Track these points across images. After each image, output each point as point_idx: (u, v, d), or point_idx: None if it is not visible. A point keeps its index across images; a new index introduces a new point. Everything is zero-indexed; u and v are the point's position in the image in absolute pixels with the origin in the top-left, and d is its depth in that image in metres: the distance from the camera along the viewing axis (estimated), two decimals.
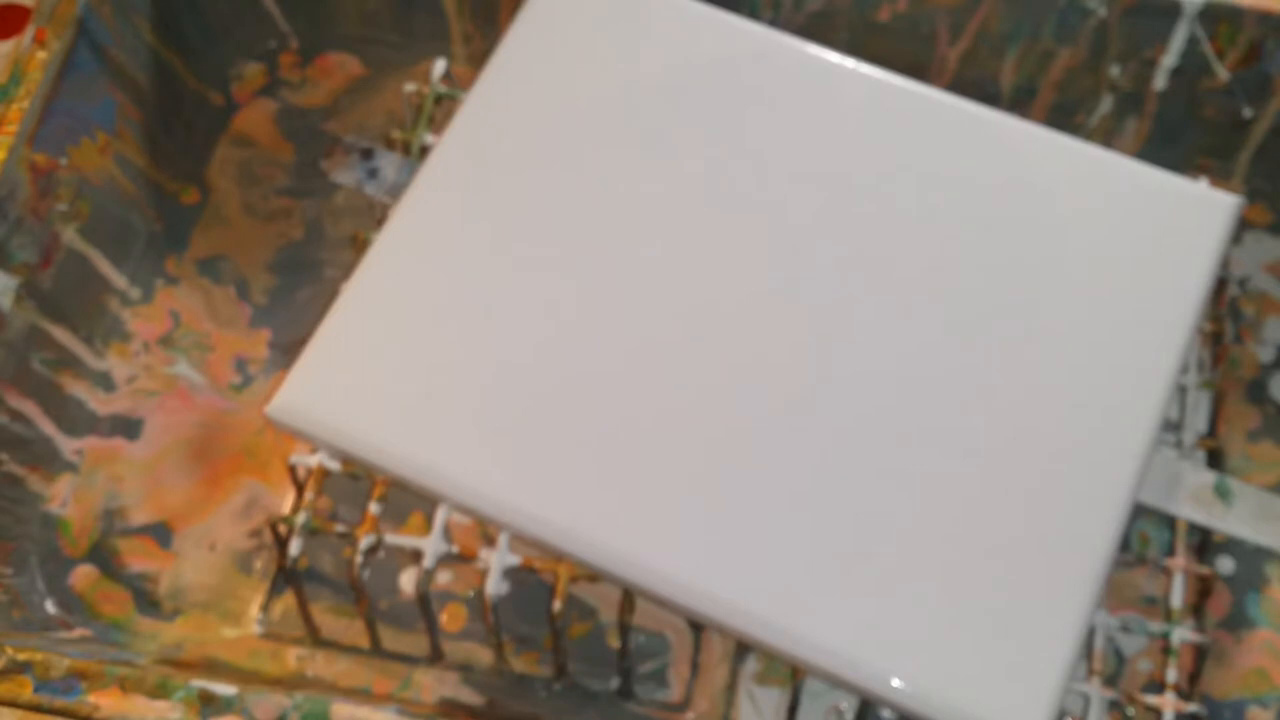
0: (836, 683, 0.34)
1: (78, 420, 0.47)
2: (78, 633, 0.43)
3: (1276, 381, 0.47)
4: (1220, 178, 0.49)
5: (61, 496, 0.46)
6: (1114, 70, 0.48)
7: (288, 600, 0.44)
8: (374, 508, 0.39)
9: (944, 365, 0.37)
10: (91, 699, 0.36)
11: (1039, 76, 0.49)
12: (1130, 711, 0.42)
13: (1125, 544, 0.42)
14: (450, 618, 0.44)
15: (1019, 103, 0.50)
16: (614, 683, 0.43)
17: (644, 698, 0.43)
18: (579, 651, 0.43)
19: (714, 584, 0.34)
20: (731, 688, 0.43)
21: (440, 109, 0.45)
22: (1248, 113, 0.48)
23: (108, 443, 0.47)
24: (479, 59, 0.50)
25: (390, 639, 0.43)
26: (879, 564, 0.34)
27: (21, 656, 0.36)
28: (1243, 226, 0.49)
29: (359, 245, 0.42)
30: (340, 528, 0.39)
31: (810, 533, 0.35)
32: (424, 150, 0.44)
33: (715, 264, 0.38)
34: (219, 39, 0.53)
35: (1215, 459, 0.42)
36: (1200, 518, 0.39)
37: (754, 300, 0.38)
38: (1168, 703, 0.38)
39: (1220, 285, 0.44)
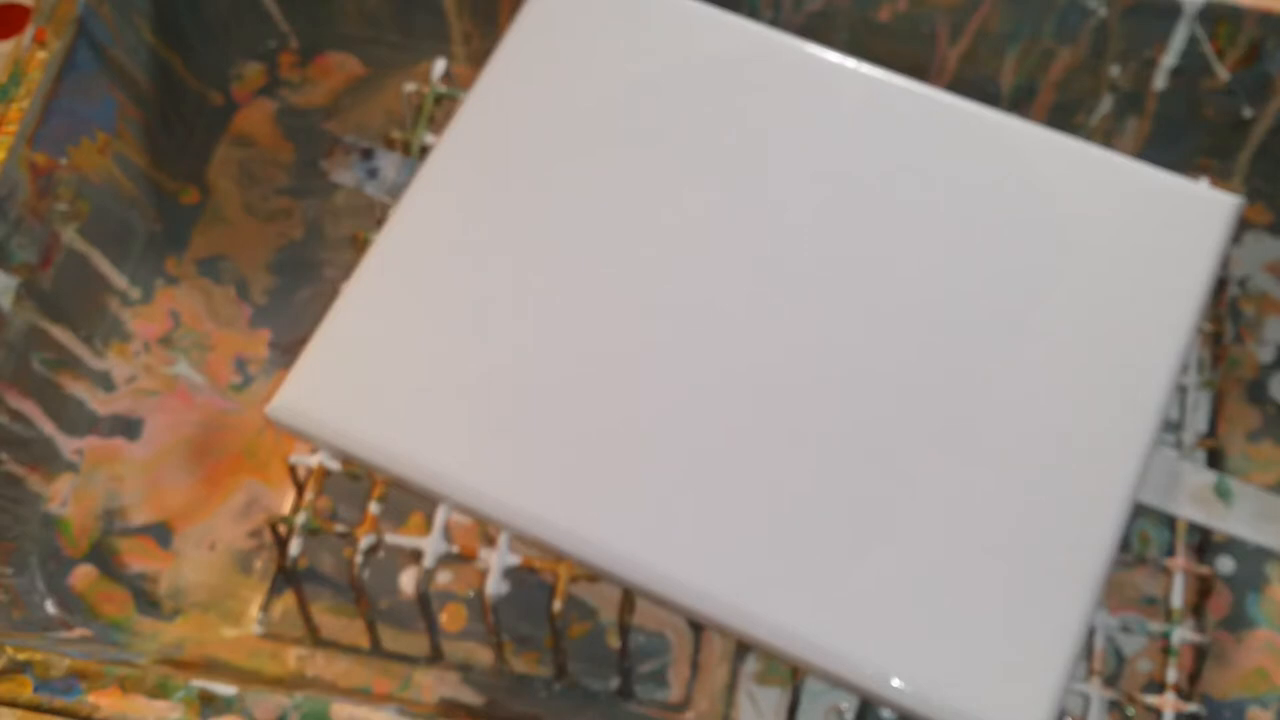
0: (836, 683, 0.34)
1: (78, 420, 0.47)
2: (78, 633, 0.43)
3: (1276, 381, 0.47)
4: (1220, 178, 0.49)
5: (61, 496, 0.46)
6: (1114, 70, 0.48)
7: (288, 600, 0.44)
8: (374, 508, 0.39)
9: (943, 365, 0.37)
10: (91, 699, 0.36)
11: (1039, 76, 0.49)
12: (1130, 711, 0.42)
13: (1125, 544, 0.42)
14: (450, 618, 0.44)
15: (1019, 103, 0.50)
16: (614, 683, 0.43)
17: (644, 698, 0.43)
18: (579, 651, 0.43)
19: (714, 584, 0.34)
20: (731, 688, 0.43)
21: (440, 109, 0.45)
22: (1248, 113, 0.48)
23: (108, 443, 0.47)
24: (479, 59, 0.50)
25: (390, 639, 0.43)
26: (879, 564, 0.34)
27: (21, 656, 0.36)
28: (1243, 226, 0.49)
29: (359, 245, 0.42)
30: (340, 528, 0.39)
31: (810, 532, 0.35)
32: (424, 150, 0.44)
33: (715, 263, 0.38)
34: (219, 39, 0.53)
35: (1215, 459, 0.42)
36: (1200, 518, 0.39)
37: (754, 300, 0.38)
38: (1168, 703, 0.38)
39: (1220, 285, 0.44)
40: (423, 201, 0.39)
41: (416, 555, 0.38)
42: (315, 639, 0.44)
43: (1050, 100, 0.50)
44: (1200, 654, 0.40)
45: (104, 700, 0.36)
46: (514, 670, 0.43)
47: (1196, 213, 0.39)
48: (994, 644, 0.34)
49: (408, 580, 0.44)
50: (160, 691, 0.36)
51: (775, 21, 0.48)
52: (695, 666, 0.43)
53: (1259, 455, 0.46)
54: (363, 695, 0.42)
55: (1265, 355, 0.47)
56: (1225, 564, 0.44)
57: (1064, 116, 0.50)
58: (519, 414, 0.36)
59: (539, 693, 0.43)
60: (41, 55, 0.45)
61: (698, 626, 0.43)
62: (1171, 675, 0.38)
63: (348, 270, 0.39)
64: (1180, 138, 0.49)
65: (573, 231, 0.39)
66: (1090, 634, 0.39)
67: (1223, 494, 0.39)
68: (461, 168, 0.40)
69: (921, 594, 0.34)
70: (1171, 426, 0.42)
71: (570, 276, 0.38)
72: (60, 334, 0.46)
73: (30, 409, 0.45)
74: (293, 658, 0.43)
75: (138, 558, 0.45)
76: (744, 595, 0.34)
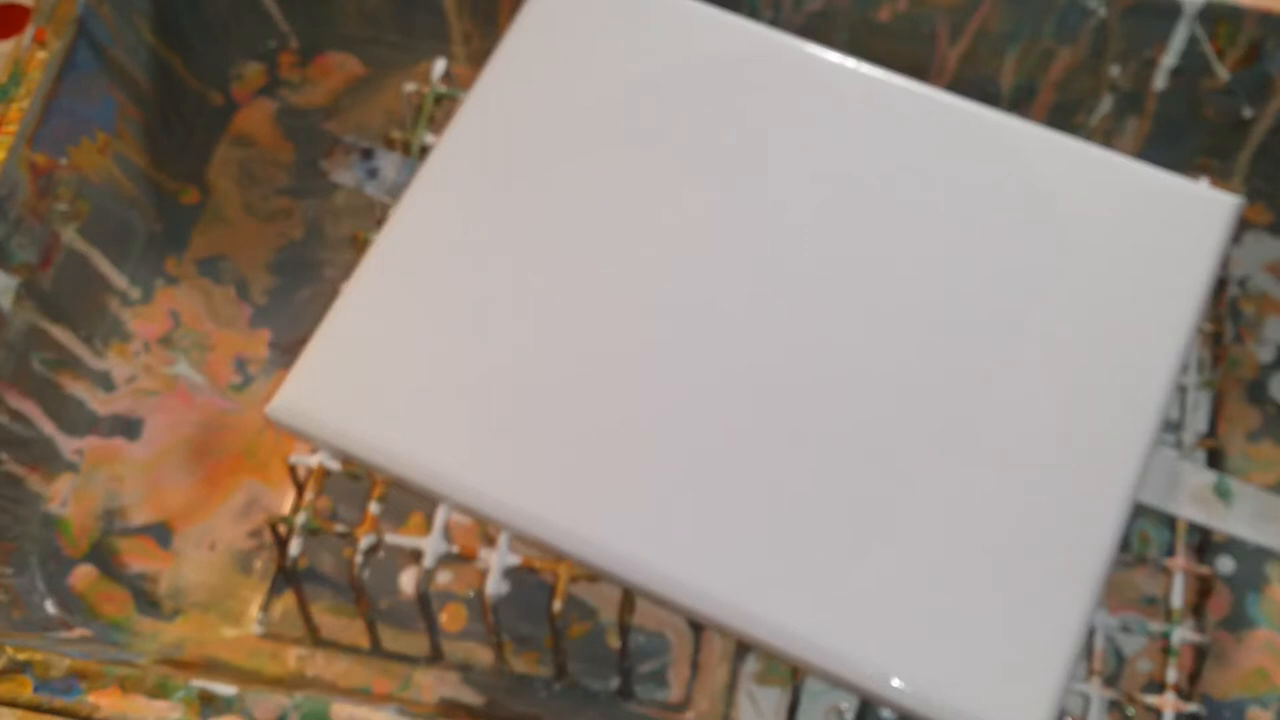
0: (836, 683, 0.34)
1: (78, 420, 0.47)
2: (78, 633, 0.43)
3: (1276, 381, 0.47)
4: (1220, 178, 0.49)
5: (61, 496, 0.46)
6: (1114, 70, 0.48)
7: (288, 600, 0.44)
8: (374, 508, 0.39)
9: (943, 364, 0.37)
10: (91, 699, 0.36)
11: (1039, 76, 0.49)
12: (1130, 711, 0.42)
13: (1125, 544, 0.42)
14: (450, 618, 0.44)
15: (1019, 103, 0.50)
16: (614, 683, 0.43)
17: (644, 698, 0.43)
18: (579, 651, 0.43)
19: (714, 584, 0.34)
20: (731, 688, 0.43)
21: (440, 109, 0.45)
22: (1248, 113, 0.48)
23: (108, 443, 0.47)
24: (479, 59, 0.50)
25: (390, 639, 0.43)
26: (879, 563, 0.34)
27: (21, 656, 0.36)
28: (1243, 226, 0.49)
29: (359, 245, 0.42)
30: (340, 528, 0.39)
31: (810, 532, 0.35)
32: (424, 150, 0.44)
33: (715, 263, 0.38)
34: (219, 39, 0.53)
35: (1215, 459, 0.42)
36: (1200, 518, 0.39)
37: (754, 299, 0.38)
38: (1168, 703, 0.38)
39: (1220, 285, 0.44)
40: (423, 201, 0.39)
41: (416, 555, 0.38)
42: (315, 639, 0.44)
43: (1050, 100, 0.50)
44: (1200, 654, 0.40)
45: (104, 700, 0.36)
46: (514, 670, 0.43)
47: (1196, 213, 0.39)
48: (994, 644, 0.34)
49: (408, 580, 0.44)
50: (160, 691, 0.36)
51: (775, 21, 0.48)
52: (695, 666, 0.43)
53: (1259, 455, 0.46)
54: (363, 695, 0.42)
55: (1265, 355, 0.47)
56: (1225, 564, 0.44)
57: (1064, 116, 0.50)
58: (519, 414, 0.36)
59: (539, 693, 0.43)
60: (41, 55, 0.45)
61: (698, 626, 0.43)
62: (1171, 675, 0.38)
63: (348, 270, 0.39)
64: (1180, 138, 0.49)
65: (573, 231, 0.39)
66: (1090, 634, 0.39)
67: (1223, 494, 0.39)
68: (461, 168, 0.40)
69: (921, 594, 0.34)
70: (1171, 426, 0.42)
71: (570, 276, 0.38)
72: (60, 334, 0.46)
73: (30, 409, 0.45)
74: (293, 658, 0.43)
75: (138, 558, 0.45)
76: (744, 595, 0.34)
